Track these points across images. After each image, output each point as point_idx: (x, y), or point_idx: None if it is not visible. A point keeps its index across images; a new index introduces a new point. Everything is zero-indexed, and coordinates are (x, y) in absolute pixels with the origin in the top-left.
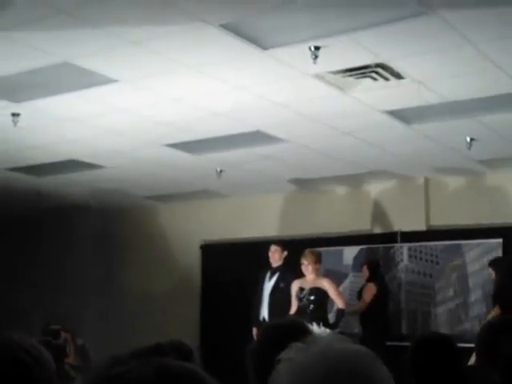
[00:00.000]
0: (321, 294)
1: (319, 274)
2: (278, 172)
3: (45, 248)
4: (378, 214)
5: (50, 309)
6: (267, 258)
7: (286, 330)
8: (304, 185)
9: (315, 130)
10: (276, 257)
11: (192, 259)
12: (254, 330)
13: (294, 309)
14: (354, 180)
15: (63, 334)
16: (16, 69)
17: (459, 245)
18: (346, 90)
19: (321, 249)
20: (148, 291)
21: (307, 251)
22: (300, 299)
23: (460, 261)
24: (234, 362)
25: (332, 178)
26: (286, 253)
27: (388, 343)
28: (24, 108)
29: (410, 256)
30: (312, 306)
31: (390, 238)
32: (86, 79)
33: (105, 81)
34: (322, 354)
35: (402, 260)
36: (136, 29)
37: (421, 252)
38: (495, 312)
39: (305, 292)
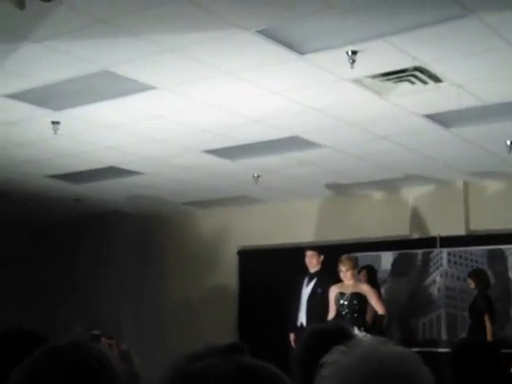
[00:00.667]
0: (362, 299)
1: (357, 279)
2: (315, 177)
3: (83, 255)
4: (416, 218)
5: (90, 316)
6: (304, 263)
7: (330, 335)
8: (341, 190)
9: (352, 134)
10: (314, 262)
11: (229, 265)
12: (292, 336)
13: (332, 314)
14: (391, 185)
15: (103, 341)
16: (56, 77)
17: (500, 250)
18: (383, 94)
19: (358, 254)
20: (186, 297)
21: (344, 257)
22: (341, 305)
23: (502, 266)
24: None
25: (369, 182)
26: (322, 257)
27: (426, 349)
28: (64, 116)
29: (449, 261)
30: (352, 311)
31: (429, 242)
32: (124, 87)
33: (143, 88)
34: (364, 357)
35: (441, 265)
36: (173, 36)
37: (460, 257)
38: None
39: (346, 297)
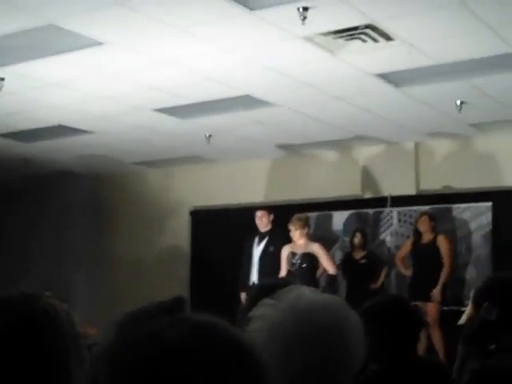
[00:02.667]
0: (312, 259)
1: (308, 238)
2: (267, 137)
3: (33, 216)
4: (368, 178)
5: (40, 276)
6: (252, 223)
7: (270, 289)
8: (293, 150)
9: (304, 93)
10: (264, 221)
11: (181, 225)
12: (243, 295)
13: (283, 273)
14: (344, 145)
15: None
16: (0, 31)
17: (449, 208)
18: (335, 52)
19: (310, 214)
20: (138, 256)
21: (294, 217)
22: (292, 264)
23: (450, 225)
24: None
25: (321, 142)
26: (272, 216)
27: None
28: (8, 72)
29: (399, 220)
30: (303, 270)
31: (380, 202)
32: (71, 42)
33: (91, 43)
34: (291, 308)
35: (391, 224)
36: None
37: (410, 217)
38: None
39: (297, 257)
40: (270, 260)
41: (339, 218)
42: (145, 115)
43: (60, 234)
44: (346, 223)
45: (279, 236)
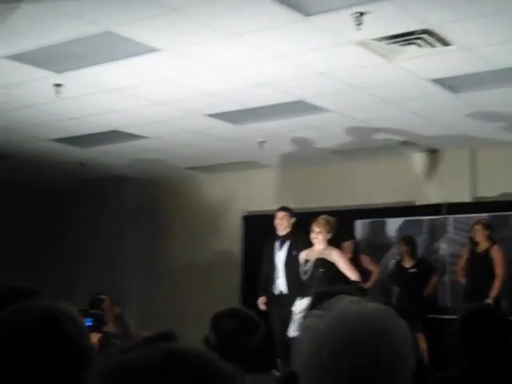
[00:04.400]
0: (329, 266)
1: (329, 244)
2: (321, 142)
3: (89, 219)
4: (422, 185)
5: (96, 279)
6: (304, 229)
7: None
8: (346, 156)
9: (358, 99)
10: (284, 223)
11: (233, 230)
12: (261, 299)
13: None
14: (398, 151)
15: (106, 303)
16: (59, 39)
17: (507, 216)
18: (390, 57)
19: (363, 220)
20: (191, 260)
21: (322, 218)
22: (304, 272)
23: (507, 233)
24: None
25: (375, 148)
26: (294, 219)
27: (432, 316)
28: (67, 78)
29: (454, 228)
30: (318, 278)
31: (435, 209)
32: (128, 49)
33: (147, 50)
34: (339, 317)
35: (446, 232)
36: None
37: (466, 224)
38: None
39: (309, 264)
40: (296, 264)
41: (393, 225)
42: (198, 120)
43: (115, 238)
44: (400, 230)
45: (302, 239)
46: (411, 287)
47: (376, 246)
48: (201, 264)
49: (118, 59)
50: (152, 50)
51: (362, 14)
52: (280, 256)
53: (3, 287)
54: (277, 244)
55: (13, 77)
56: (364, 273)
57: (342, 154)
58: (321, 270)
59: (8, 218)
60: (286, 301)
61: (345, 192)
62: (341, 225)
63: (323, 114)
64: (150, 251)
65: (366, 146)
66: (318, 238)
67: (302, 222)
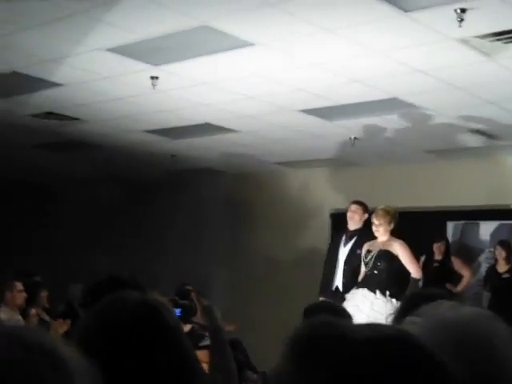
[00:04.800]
0: (391, 259)
1: (394, 236)
2: (415, 141)
3: (176, 210)
4: None
5: (180, 270)
6: (395, 229)
7: (424, 299)
8: (440, 155)
9: (456, 98)
10: (356, 218)
11: (321, 227)
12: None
13: (361, 276)
14: (494, 152)
15: (193, 295)
16: (156, 32)
17: None
18: (492, 55)
19: (456, 222)
20: (275, 255)
21: (380, 209)
22: (365, 263)
23: None
24: None
25: (470, 148)
26: (366, 215)
27: None
28: (162, 71)
29: None
30: (378, 271)
31: None
32: (223, 42)
33: (242, 44)
34: (438, 323)
35: None
36: None
37: None
38: None
39: (371, 255)
40: (357, 263)
41: (486, 228)
42: (290, 116)
43: (200, 229)
44: (494, 234)
45: (370, 239)
46: (504, 293)
47: (468, 249)
48: (286, 258)
49: (212, 53)
50: (247, 44)
51: (464, 10)
52: (343, 252)
53: (103, 276)
54: (343, 239)
55: (111, 69)
56: (455, 275)
57: (435, 153)
58: (383, 262)
59: (99, 208)
60: (339, 299)
61: (437, 192)
62: (433, 225)
63: (417, 112)
64: (234, 244)
65: (460, 146)
66: (379, 230)
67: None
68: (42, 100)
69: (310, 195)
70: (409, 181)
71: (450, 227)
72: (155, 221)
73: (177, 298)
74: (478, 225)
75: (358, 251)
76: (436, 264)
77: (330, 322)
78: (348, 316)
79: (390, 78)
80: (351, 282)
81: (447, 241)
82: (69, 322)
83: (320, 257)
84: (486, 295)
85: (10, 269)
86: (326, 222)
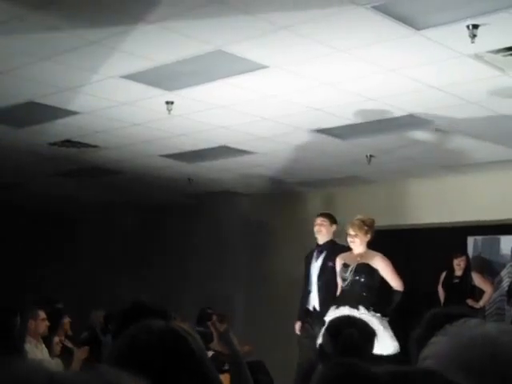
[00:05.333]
0: (371, 273)
1: (370, 248)
2: (431, 157)
3: (195, 233)
4: None
5: (200, 293)
6: (415, 246)
7: (444, 319)
8: (457, 171)
9: (469, 112)
10: (323, 231)
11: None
12: (297, 326)
13: (338, 291)
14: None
15: (213, 318)
16: (170, 58)
17: None
18: (506, 70)
19: (476, 237)
20: (296, 277)
21: (356, 218)
22: (343, 279)
23: None
24: None
25: (487, 163)
26: (335, 226)
27: None
28: (177, 96)
29: None
30: (358, 286)
31: None
32: (237, 66)
33: (256, 67)
34: (466, 343)
35: None
36: (286, 13)
37: None
38: None
39: (350, 269)
40: (330, 277)
41: (507, 243)
42: (306, 136)
43: (220, 252)
44: None
45: (340, 251)
46: None
47: (489, 264)
48: None
49: (227, 76)
50: (261, 66)
51: (476, 26)
52: (315, 267)
53: (124, 301)
54: (314, 254)
55: (127, 95)
56: (476, 291)
57: (452, 168)
58: (363, 276)
59: (118, 233)
60: (316, 318)
61: (456, 207)
62: (452, 241)
63: (432, 127)
64: (254, 266)
65: (478, 160)
66: (355, 241)
67: (407, 238)
68: (59, 128)
69: None
70: (427, 197)
71: (471, 242)
72: (174, 245)
73: (195, 324)
74: (498, 239)
75: (330, 263)
76: (456, 280)
77: (355, 363)
78: (373, 331)
79: (405, 96)
80: (326, 297)
81: (467, 256)
82: (89, 348)
83: None
84: (509, 310)
85: (30, 295)
86: (343, 242)
